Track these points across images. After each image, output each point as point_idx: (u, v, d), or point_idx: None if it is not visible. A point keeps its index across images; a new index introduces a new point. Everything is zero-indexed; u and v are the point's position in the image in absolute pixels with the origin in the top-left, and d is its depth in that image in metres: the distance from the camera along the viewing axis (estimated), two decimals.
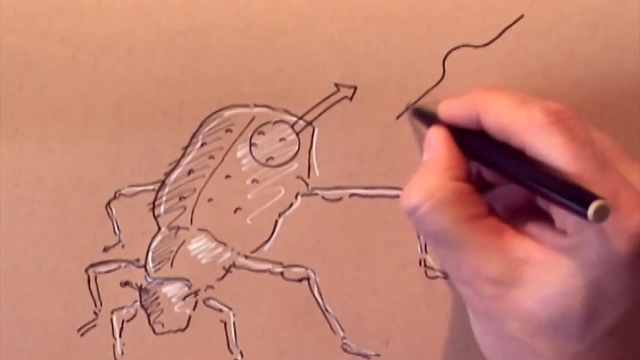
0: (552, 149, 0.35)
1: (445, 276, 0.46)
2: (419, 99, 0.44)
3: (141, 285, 0.46)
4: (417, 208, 0.37)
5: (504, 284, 0.36)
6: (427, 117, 0.42)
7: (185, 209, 0.45)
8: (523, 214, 0.39)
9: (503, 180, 0.40)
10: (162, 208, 0.45)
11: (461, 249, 0.37)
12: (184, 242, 0.46)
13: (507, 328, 0.37)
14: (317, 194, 0.45)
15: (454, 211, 0.37)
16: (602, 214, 0.33)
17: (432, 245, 0.38)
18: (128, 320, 0.46)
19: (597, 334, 0.36)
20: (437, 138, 0.40)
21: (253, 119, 0.45)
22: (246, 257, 0.46)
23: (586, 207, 0.33)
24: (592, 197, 0.33)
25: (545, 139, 0.36)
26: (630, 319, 0.36)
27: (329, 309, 0.46)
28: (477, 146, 0.39)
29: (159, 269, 0.46)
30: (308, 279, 0.46)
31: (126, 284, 0.46)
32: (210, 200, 0.45)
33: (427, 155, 0.40)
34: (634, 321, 0.36)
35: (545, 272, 0.36)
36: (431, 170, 0.38)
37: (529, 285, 0.36)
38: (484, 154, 0.39)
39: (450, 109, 0.40)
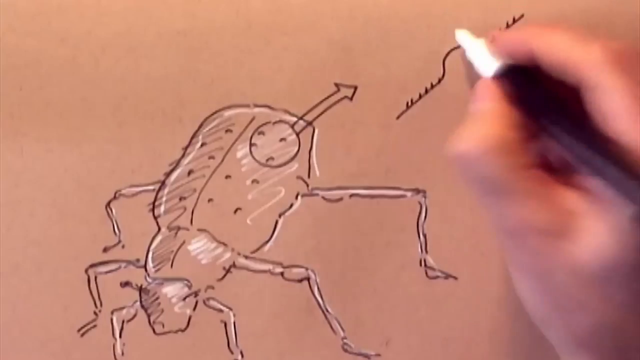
0: (611, 88, 0.35)
1: (446, 276, 0.46)
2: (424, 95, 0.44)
3: (141, 286, 0.46)
4: (466, 154, 0.37)
5: (553, 235, 0.36)
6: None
7: (185, 209, 0.45)
8: (573, 166, 0.38)
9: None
10: (162, 208, 0.45)
11: (509, 198, 0.36)
12: (184, 242, 0.46)
13: (555, 281, 0.36)
14: (317, 194, 0.45)
15: (504, 159, 0.36)
16: None
17: (479, 193, 0.37)
18: (128, 321, 0.46)
19: None
20: (487, 87, 0.39)
21: (253, 119, 0.45)
22: (246, 257, 0.46)
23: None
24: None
25: (604, 78, 0.35)
26: None
27: (329, 309, 0.46)
28: (530, 100, 0.38)
29: (159, 269, 0.46)
30: (308, 279, 0.46)
31: (126, 284, 0.46)
32: (210, 200, 0.45)
33: (476, 105, 0.39)
34: None
35: (596, 221, 0.35)
36: (481, 118, 0.38)
37: (579, 236, 0.35)
38: (537, 113, 0.38)
39: (504, 42, 0.40)
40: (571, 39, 0.37)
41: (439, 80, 0.44)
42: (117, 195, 0.45)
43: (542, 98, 0.38)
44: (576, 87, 0.37)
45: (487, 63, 0.40)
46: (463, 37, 0.42)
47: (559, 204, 0.36)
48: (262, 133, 0.45)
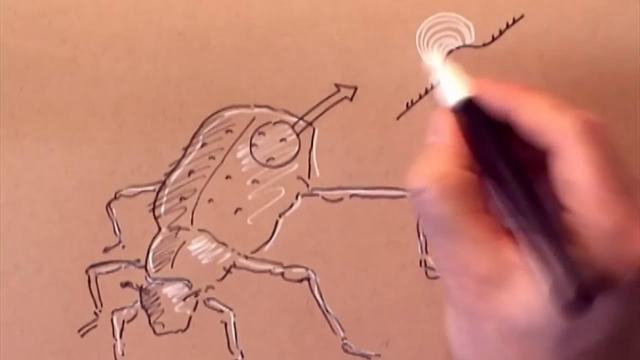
0: (579, 158, 0.35)
1: None
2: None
3: (142, 286, 0.46)
4: (422, 191, 0.37)
5: (491, 283, 0.36)
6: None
7: (185, 209, 0.45)
8: None
9: None
10: (162, 209, 0.45)
11: (456, 240, 0.36)
12: (184, 242, 0.46)
13: (484, 328, 0.36)
14: (317, 195, 0.45)
15: (458, 201, 0.36)
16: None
17: (428, 231, 0.38)
18: (128, 321, 0.46)
19: (572, 352, 0.35)
20: (448, 122, 0.39)
21: (253, 119, 0.45)
22: (246, 257, 0.46)
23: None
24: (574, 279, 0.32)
25: (574, 147, 0.35)
26: (611, 346, 0.35)
27: (329, 309, 0.46)
28: (486, 146, 0.38)
29: (159, 269, 0.46)
30: (308, 279, 0.46)
31: (126, 284, 0.46)
32: (210, 200, 0.45)
33: (435, 138, 0.39)
34: (615, 349, 0.35)
35: (535, 280, 0.35)
36: (441, 155, 0.38)
37: (515, 288, 0.35)
38: (489, 159, 0.38)
39: (487, 90, 0.39)
40: (547, 105, 0.37)
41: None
42: (117, 195, 0.45)
43: (497, 147, 0.38)
44: (544, 152, 0.37)
45: (453, 92, 0.40)
46: (435, 59, 0.42)
47: (502, 254, 0.36)
48: (262, 133, 0.45)
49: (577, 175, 0.35)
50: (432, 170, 0.37)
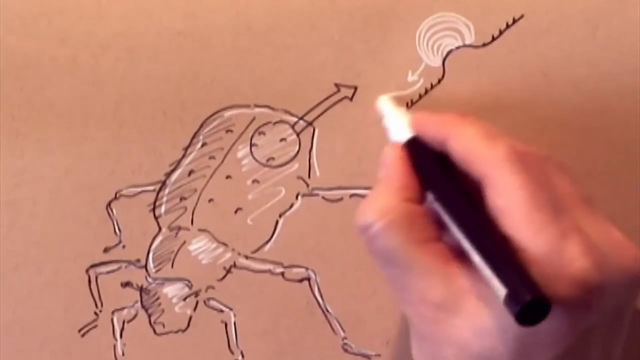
0: (509, 184, 0.36)
1: None
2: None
3: (142, 286, 0.46)
4: (369, 227, 0.38)
5: (446, 310, 0.36)
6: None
7: (185, 209, 0.45)
8: None
9: None
10: (162, 209, 0.45)
11: (408, 271, 0.37)
12: (184, 242, 0.46)
13: (442, 354, 0.37)
14: (317, 195, 0.45)
15: (404, 233, 0.37)
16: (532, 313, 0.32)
17: (381, 264, 0.38)
18: (129, 321, 0.46)
19: None
20: (392, 156, 0.40)
21: (253, 119, 0.45)
22: (247, 257, 0.46)
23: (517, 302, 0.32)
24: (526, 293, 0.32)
25: (504, 174, 0.36)
26: None
27: (329, 309, 0.46)
28: (434, 177, 0.39)
29: (159, 269, 0.46)
30: (309, 279, 0.46)
31: (127, 284, 0.46)
32: (210, 200, 0.45)
33: (382, 174, 0.40)
34: None
35: (485, 304, 0.35)
36: (385, 190, 0.39)
37: (468, 314, 0.36)
38: (437, 188, 0.39)
39: (423, 123, 0.40)
40: (477, 134, 0.38)
41: (439, 81, 0.44)
42: (117, 195, 0.45)
43: (444, 176, 0.39)
44: (479, 182, 0.37)
45: (401, 132, 0.41)
46: (384, 103, 0.43)
47: (454, 281, 0.36)
48: (262, 133, 0.45)
49: (507, 201, 0.36)
50: (377, 205, 0.38)
